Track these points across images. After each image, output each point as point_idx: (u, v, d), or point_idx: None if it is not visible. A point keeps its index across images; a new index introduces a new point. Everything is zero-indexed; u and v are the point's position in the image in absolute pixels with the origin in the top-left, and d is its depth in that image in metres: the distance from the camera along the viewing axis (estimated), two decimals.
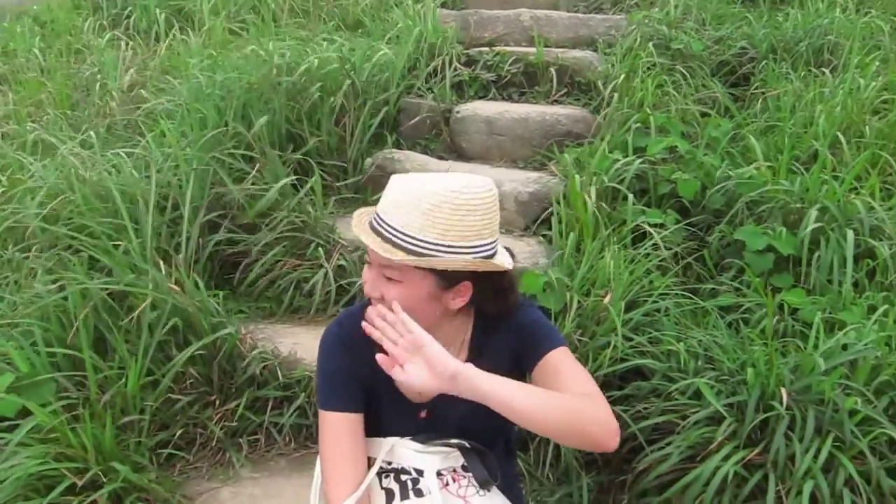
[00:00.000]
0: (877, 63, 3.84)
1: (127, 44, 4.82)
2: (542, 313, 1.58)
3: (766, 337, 2.28)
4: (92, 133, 3.31)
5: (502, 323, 1.53)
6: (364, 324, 1.39)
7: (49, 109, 4.08)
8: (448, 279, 1.41)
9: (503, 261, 1.44)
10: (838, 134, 3.21)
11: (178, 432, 2.43)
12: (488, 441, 1.59)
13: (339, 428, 1.48)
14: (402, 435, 1.55)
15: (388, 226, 1.36)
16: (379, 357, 1.36)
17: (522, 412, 1.31)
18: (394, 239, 1.35)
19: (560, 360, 1.46)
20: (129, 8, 5.32)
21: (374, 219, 1.40)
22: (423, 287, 1.40)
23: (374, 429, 1.55)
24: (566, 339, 1.57)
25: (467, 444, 1.56)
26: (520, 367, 1.51)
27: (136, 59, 4.61)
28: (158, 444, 2.41)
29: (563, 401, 1.35)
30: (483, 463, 1.55)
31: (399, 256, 1.34)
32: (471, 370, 1.32)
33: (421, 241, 1.34)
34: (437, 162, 3.72)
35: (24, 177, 3.16)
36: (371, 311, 1.39)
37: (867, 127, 3.37)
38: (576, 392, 1.38)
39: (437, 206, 1.33)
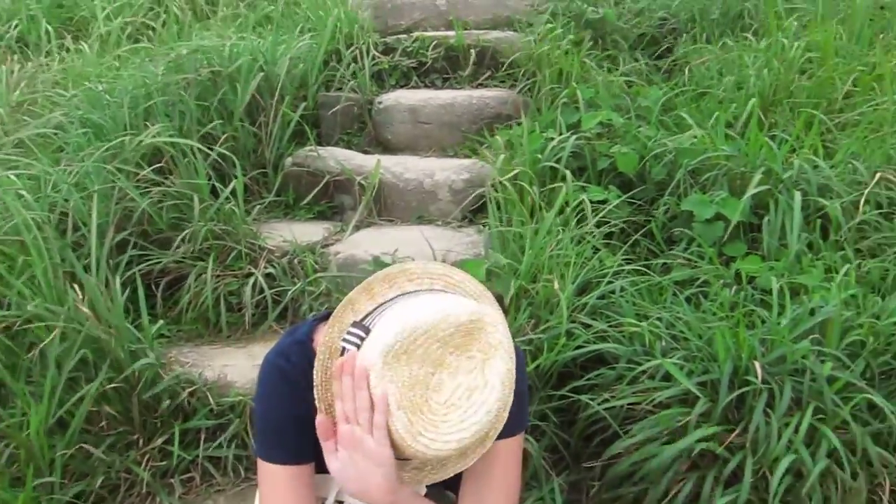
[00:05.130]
0: (794, 24, 3.82)
1: (14, 58, 4.40)
2: (526, 383, 1.40)
3: (728, 309, 2.16)
4: None
5: None
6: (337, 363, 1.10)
7: None
8: None
9: None
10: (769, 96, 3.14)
11: (100, 480, 2.14)
12: None
13: (283, 482, 1.25)
14: None
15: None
16: (319, 419, 1.13)
17: None
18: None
19: (506, 452, 1.29)
20: (15, 21, 4.89)
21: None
22: None
23: (322, 464, 1.34)
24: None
25: None
26: None
27: (25, 73, 4.21)
28: (77, 495, 2.12)
29: None
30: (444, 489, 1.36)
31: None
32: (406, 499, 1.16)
33: None
34: (362, 156, 3.48)
35: None
36: (348, 363, 1.08)
37: (795, 87, 3.32)
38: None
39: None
